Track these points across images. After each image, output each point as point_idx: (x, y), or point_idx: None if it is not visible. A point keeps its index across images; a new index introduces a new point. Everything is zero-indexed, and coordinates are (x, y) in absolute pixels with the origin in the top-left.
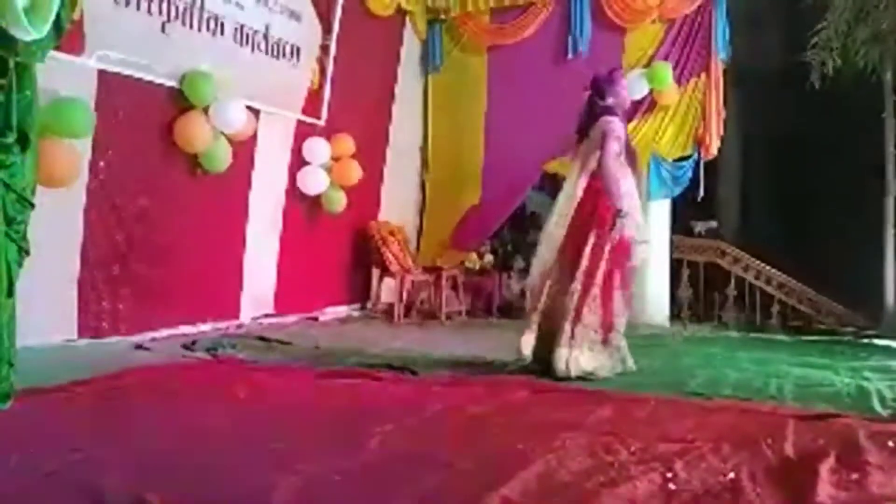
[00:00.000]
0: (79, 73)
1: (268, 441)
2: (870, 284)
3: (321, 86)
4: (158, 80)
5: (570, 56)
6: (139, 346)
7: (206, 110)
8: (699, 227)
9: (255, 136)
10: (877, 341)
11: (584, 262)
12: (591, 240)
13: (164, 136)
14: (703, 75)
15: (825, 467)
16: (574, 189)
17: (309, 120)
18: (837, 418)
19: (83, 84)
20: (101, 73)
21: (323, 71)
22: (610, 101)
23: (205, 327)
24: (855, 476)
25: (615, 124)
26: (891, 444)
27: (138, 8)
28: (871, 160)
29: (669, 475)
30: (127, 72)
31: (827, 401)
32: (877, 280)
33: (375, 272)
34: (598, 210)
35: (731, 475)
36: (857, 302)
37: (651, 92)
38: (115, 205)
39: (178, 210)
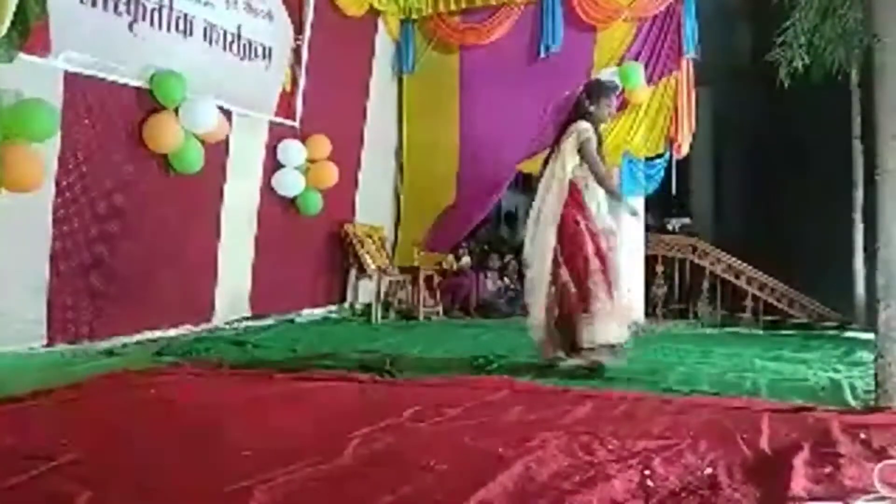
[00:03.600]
0: (44, 75)
1: (241, 447)
2: (840, 277)
3: (294, 87)
4: (127, 81)
5: (542, 55)
6: (109, 352)
7: (176, 111)
8: (673, 223)
9: (227, 138)
10: (848, 333)
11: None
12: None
13: (133, 137)
14: (673, 74)
15: (799, 461)
16: (555, 183)
17: (283, 121)
18: (811, 411)
19: (49, 86)
20: (68, 75)
21: (296, 72)
22: (593, 108)
23: (178, 331)
24: (828, 469)
25: (591, 133)
26: (863, 435)
27: (105, 7)
28: (839, 156)
29: (647, 473)
30: (94, 73)
31: (800, 394)
32: (847, 273)
33: (352, 273)
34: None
35: (709, 471)
36: (829, 295)
37: (623, 91)
38: (85, 207)
39: (149, 212)
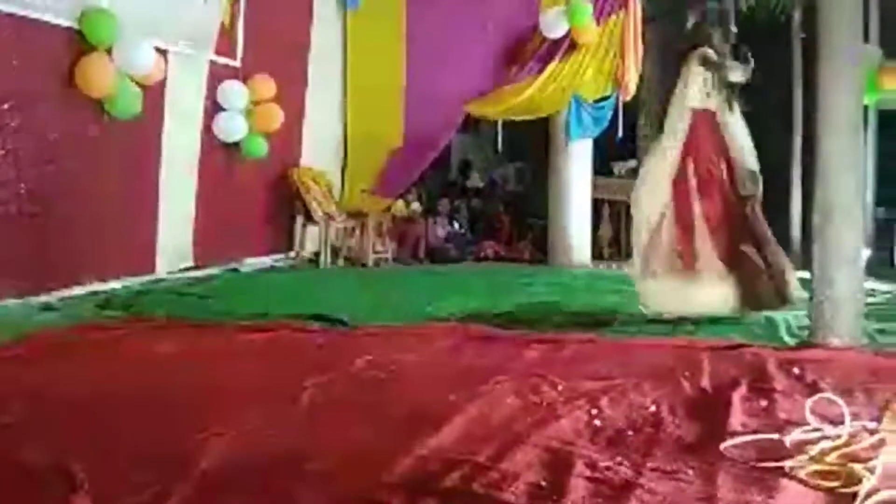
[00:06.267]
0: None
1: (193, 399)
2: (778, 218)
3: (234, 23)
4: (54, 21)
5: None
6: (48, 307)
7: (109, 52)
8: (619, 167)
9: (164, 79)
10: None
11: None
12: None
13: (64, 80)
14: (621, 13)
15: (737, 396)
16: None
17: (223, 60)
18: (748, 349)
19: None
20: None
21: (235, 7)
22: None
23: (119, 283)
24: (764, 403)
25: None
26: (796, 370)
27: None
28: (780, 99)
29: (595, 412)
30: (16, 10)
31: (739, 332)
32: (784, 214)
33: (299, 220)
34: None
35: (653, 409)
36: None
37: (570, 31)
38: (15, 155)
39: (84, 160)
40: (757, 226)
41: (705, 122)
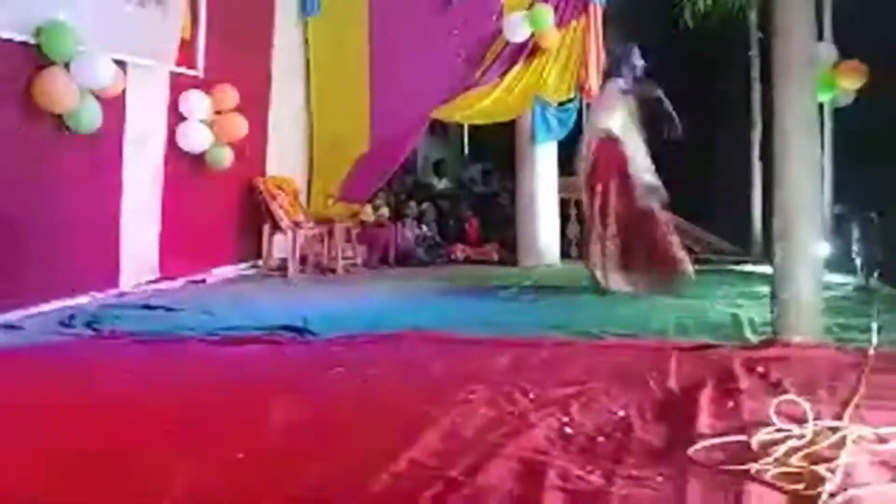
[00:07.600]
0: None
1: (161, 423)
2: (739, 214)
3: (194, 34)
4: (8, 35)
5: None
6: (11, 326)
7: (67, 66)
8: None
9: (125, 92)
10: (747, 268)
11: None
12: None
13: (22, 95)
14: (582, 19)
15: (705, 398)
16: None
17: (184, 71)
18: (714, 349)
19: None
20: None
21: (195, 18)
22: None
23: (83, 299)
24: (731, 404)
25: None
26: (760, 369)
27: None
28: (739, 97)
29: (566, 419)
30: None
31: (705, 331)
32: (745, 209)
33: (266, 229)
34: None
35: (622, 413)
36: (729, 231)
37: (533, 35)
38: None
39: (45, 175)
40: (656, 228)
41: (607, 147)
